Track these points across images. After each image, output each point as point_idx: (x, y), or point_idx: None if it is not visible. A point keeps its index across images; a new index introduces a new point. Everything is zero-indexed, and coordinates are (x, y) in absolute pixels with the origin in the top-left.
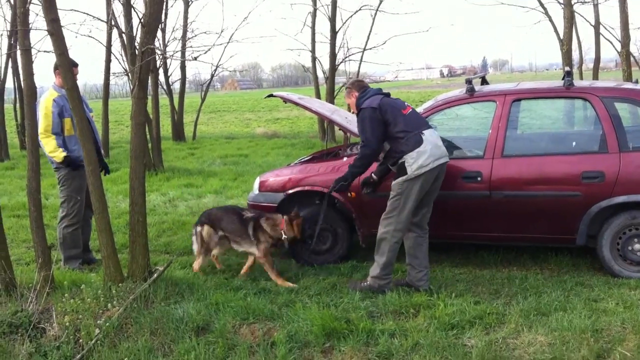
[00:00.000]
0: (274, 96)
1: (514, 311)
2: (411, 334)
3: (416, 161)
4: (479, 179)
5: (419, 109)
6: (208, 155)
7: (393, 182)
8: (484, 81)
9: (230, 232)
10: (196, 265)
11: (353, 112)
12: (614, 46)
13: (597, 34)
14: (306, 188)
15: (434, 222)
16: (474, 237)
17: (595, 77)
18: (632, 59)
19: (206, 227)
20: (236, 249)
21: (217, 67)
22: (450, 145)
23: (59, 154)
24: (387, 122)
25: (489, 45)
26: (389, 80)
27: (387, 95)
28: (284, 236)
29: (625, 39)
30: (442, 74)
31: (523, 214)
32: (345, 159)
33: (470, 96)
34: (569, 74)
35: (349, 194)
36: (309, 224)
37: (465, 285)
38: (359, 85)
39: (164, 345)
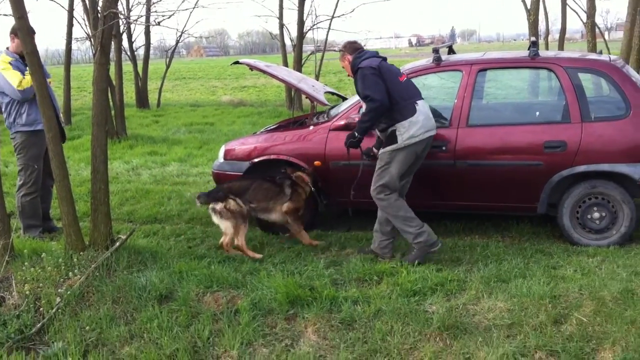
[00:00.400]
0: (241, 63)
1: (474, 278)
2: (374, 300)
3: (407, 131)
4: (443, 148)
5: None
6: (173, 123)
7: (381, 151)
8: (451, 50)
9: (259, 201)
10: (241, 240)
11: (349, 76)
12: (579, 17)
13: (564, 5)
14: (272, 157)
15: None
16: (438, 206)
17: (561, 47)
18: (597, 30)
19: (231, 201)
20: (265, 218)
21: (182, 33)
22: None
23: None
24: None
25: (458, 15)
26: None
27: (384, 59)
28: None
29: (591, 10)
30: (410, 43)
31: (486, 183)
32: (311, 127)
33: (437, 65)
34: (534, 44)
35: (315, 162)
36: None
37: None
38: (352, 47)
39: (126, 314)
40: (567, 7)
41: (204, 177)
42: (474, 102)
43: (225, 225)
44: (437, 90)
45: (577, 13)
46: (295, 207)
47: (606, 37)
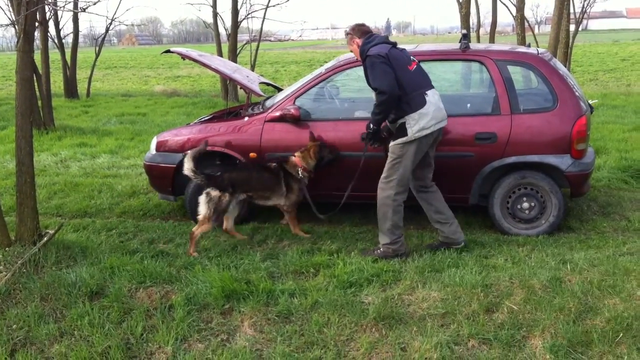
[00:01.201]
0: (172, 52)
1: (409, 268)
2: (311, 293)
3: (417, 123)
4: None
5: (321, 69)
6: (103, 114)
7: (391, 144)
8: None
9: (258, 190)
10: (198, 230)
11: (357, 61)
12: (509, 10)
13: None
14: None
15: (335, 183)
16: (374, 197)
17: (492, 40)
18: (526, 23)
19: (227, 195)
20: (262, 204)
21: (112, 20)
22: (351, 106)
23: None
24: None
25: (393, 7)
26: (293, 40)
27: (394, 45)
28: (300, 175)
29: (520, 4)
30: (347, 34)
31: None
32: (246, 118)
33: None
34: (465, 37)
35: (250, 154)
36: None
37: (365, 244)
38: (361, 30)
39: (55, 311)
40: (498, 0)
41: (136, 169)
42: None
43: (202, 209)
44: None
45: (507, 7)
46: (293, 202)
47: (536, 30)
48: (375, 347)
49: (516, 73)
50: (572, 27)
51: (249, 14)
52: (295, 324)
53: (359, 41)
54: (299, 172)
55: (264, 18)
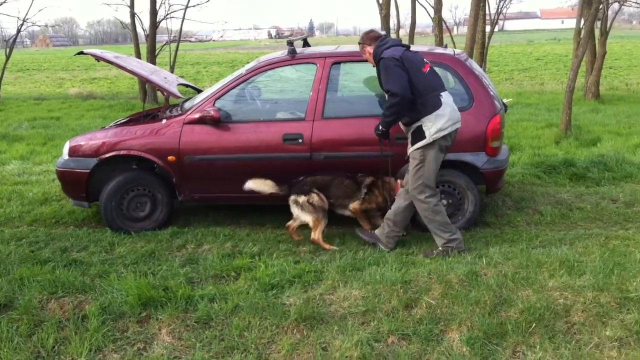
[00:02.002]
0: (86, 54)
1: (331, 268)
2: (231, 297)
3: (434, 124)
4: (300, 140)
5: (241, 70)
6: (14, 118)
7: (411, 149)
8: (305, 43)
9: (337, 197)
10: (318, 234)
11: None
12: (428, 12)
13: (413, 0)
14: (122, 152)
15: None
16: None
17: (411, 41)
18: (444, 24)
19: (314, 195)
20: (340, 213)
21: (24, 21)
22: (272, 108)
23: None
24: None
25: (316, 8)
26: (214, 40)
27: (408, 48)
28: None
29: (438, 5)
30: (270, 35)
31: None
32: (164, 121)
33: (292, 58)
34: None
35: (168, 158)
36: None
37: (287, 246)
38: (371, 37)
39: None
40: (417, 2)
41: (48, 175)
42: (329, 95)
43: (306, 219)
44: (293, 83)
45: (425, 9)
46: (365, 208)
47: (455, 31)
48: (297, 348)
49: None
50: (488, 28)
51: (168, 14)
52: (215, 329)
53: (369, 49)
54: (390, 196)
55: (183, 18)
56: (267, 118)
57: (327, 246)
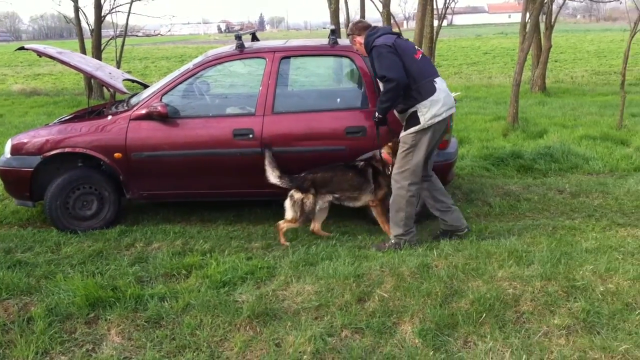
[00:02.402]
0: (27, 49)
1: (284, 264)
2: (182, 295)
3: (429, 110)
4: (250, 135)
5: (189, 65)
6: None
7: (403, 134)
8: (254, 37)
9: (344, 190)
10: (284, 228)
11: (365, 56)
12: (376, 6)
13: None
14: (67, 150)
15: (207, 182)
16: (248, 194)
17: None
18: (392, 19)
19: (310, 196)
20: (351, 205)
21: None
22: (222, 103)
23: None
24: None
25: (266, 2)
26: (162, 35)
27: (399, 35)
28: (388, 171)
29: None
30: (219, 29)
31: (294, 170)
32: (110, 117)
33: (240, 52)
34: (333, 33)
35: (115, 155)
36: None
37: (239, 242)
38: (360, 27)
39: None
40: None
41: None
42: (279, 89)
43: (289, 214)
44: (242, 78)
45: (374, 3)
46: (381, 197)
47: (405, 26)
48: (250, 345)
49: None
50: (436, 23)
51: (113, 8)
52: (166, 328)
53: (360, 39)
54: (388, 168)
55: (129, 12)
56: (217, 113)
57: (282, 240)
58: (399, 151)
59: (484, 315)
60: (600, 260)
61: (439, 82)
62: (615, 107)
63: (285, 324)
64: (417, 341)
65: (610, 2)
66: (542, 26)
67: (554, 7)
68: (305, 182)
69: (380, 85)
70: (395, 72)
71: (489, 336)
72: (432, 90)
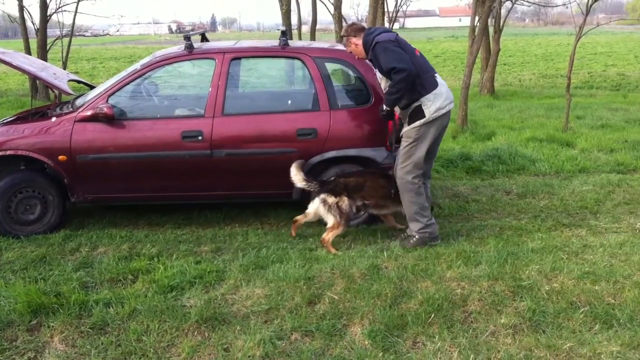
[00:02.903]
0: None
1: (234, 267)
2: (128, 300)
3: (434, 103)
4: (199, 138)
5: (136, 66)
6: None
7: (407, 128)
8: (204, 38)
9: (375, 198)
10: (331, 237)
11: (359, 58)
12: (327, 9)
13: None
14: (9, 152)
15: (155, 185)
16: (197, 197)
17: (313, 37)
18: (344, 21)
19: (345, 199)
20: (377, 213)
21: None
22: (170, 104)
23: None
24: None
25: (219, 2)
26: (110, 35)
27: (396, 35)
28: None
29: (338, 2)
30: (170, 29)
31: (244, 172)
32: (54, 119)
33: (189, 53)
34: (283, 34)
35: (59, 157)
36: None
37: (187, 246)
38: (355, 29)
39: None
40: None
41: None
42: (229, 91)
43: (330, 220)
44: (191, 79)
45: (325, 5)
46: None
47: None
48: (198, 350)
49: (336, 70)
50: (387, 25)
51: (59, 7)
52: (112, 334)
53: (355, 40)
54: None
55: (75, 12)
56: (165, 115)
57: (333, 250)
58: (402, 146)
59: (433, 315)
60: (546, 260)
61: (438, 77)
62: (561, 110)
63: (234, 328)
64: (366, 342)
65: (557, 6)
66: (491, 30)
67: (503, 11)
68: (337, 186)
69: (382, 82)
70: (404, 62)
71: (437, 336)
72: (435, 84)
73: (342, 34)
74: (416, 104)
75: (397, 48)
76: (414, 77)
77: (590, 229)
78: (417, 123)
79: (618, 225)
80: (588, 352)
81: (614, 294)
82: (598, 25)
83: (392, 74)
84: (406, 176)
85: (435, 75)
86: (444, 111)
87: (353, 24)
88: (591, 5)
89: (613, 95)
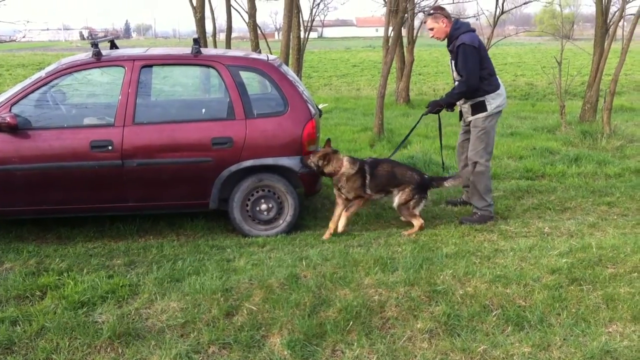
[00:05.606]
0: None
1: (148, 281)
2: (36, 318)
3: (495, 101)
4: (109, 147)
5: (41, 73)
6: None
7: (475, 118)
8: (113, 45)
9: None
10: (416, 210)
11: (433, 37)
12: (242, 17)
13: (228, 4)
14: None
15: (63, 197)
16: (109, 209)
17: (228, 45)
18: (259, 30)
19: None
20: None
21: None
22: (78, 113)
23: None
24: (480, 63)
25: (133, 8)
26: (17, 41)
27: (474, 31)
28: None
29: (252, 10)
30: (82, 36)
31: (157, 182)
32: None
33: (97, 60)
34: (196, 42)
35: None
36: None
37: (99, 260)
38: (446, 14)
39: None
40: (231, 7)
41: None
42: (140, 99)
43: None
44: (100, 87)
45: (239, 13)
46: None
47: (277, 37)
48: None
49: (251, 79)
50: (303, 35)
51: None
52: (19, 354)
53: (447, 23)
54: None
55: None
56: (73, 124)
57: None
58: (473, 134)
59: (351, 323)
60: (459, 264)
61: (499, 79)
62: None
63: (149, 343)
64: (285, 353)
65: (468, 17)
66: (405, 41)
67: (416, 22)
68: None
69: (454, 73)
70: (473, 79)
71: (356, 343)
72: (498, 85)
73: (431, 11)
74: (480, 99)
75: (475, 58)
76: (473, 91)
77: (502, 233)
78: (482, 115)
79: (527, 230)
80: (501, 354)
81: (524, 296)
82: (505, 37)
83: (460, 80)
84: (480, 159)
85: (498, 77)
86: (500, 108)
87: (443, 7)
88: (498, 18)
89: (522, 104)
